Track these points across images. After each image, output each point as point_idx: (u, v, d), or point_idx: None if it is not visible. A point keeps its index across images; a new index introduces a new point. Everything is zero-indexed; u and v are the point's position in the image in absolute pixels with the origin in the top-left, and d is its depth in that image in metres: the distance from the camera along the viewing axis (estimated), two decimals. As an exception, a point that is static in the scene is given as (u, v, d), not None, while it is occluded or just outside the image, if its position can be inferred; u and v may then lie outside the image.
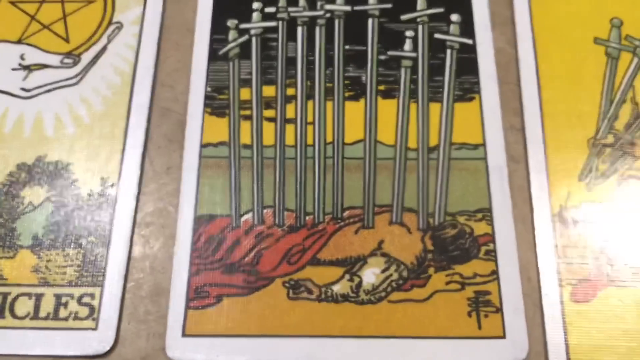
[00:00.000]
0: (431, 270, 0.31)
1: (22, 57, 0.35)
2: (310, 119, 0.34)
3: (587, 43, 0.37)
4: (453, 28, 0.36)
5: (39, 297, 0.30)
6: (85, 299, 0.30)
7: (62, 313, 0.29)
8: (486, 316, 0.30)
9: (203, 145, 0.33)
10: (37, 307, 0.30)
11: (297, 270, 0.31)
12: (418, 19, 0.36)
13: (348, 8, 0.37)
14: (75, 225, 0.31)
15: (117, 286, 0.30)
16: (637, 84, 0.35)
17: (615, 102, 0.35)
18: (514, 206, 0.32)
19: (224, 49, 0.36)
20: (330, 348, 0.29)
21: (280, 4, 0.37)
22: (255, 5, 0.37)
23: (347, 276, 0.31)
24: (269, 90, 0.35)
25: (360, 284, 0.31)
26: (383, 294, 0.30)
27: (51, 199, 0.32)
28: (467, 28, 0.36)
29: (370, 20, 0.36)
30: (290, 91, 0.35)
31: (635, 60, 0.36)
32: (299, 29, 0.36)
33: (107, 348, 0.29)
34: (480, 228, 0.32)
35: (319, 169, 0.33)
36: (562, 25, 0.37)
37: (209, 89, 0.35)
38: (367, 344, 0.29)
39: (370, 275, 0.31)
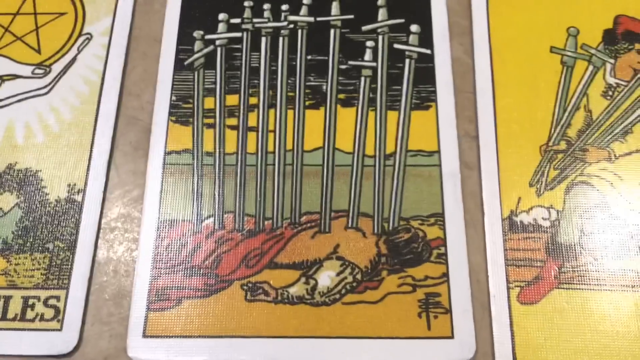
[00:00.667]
0: (384, 273, 0.32)
1: (-6, 68, 0.36)
2: (271, 127, 0.35)
3: (543, 52, 0.38)
4: (412, 38, 0.38)
5: (7, 299, 0.31)
6: (51, 301, 0.31)
7: (29, 314, 0.31)
8: (436, 317, 0.31)
9: (167, 153, 0.34)
10: (5, 309, 0.31)
11: (255, 273, 0.32)
12: (379, 30, 0.38)
13: (311, 19, 0.38)
14: (43, 230, 0.32)
15: (82, 289, 0.31)
16: (591, 92, 0.37)
17: (568, 110, 0.36)
18: (466, 211, 0.33)
19: (190, 59, 0.37)
20: (286, 348, 0.30)
21: (245, 16, 0.38)
22: (221, 16, 0.38)
23: (303, 279, 0.32)
24: (232, 99, 0.36)
25: (315, 286, 0.32)
26: (337, 296, 0.32)
27: (20, 205, 0.33)
28: (426, 38, 0.38)
29: (332, 31, 0.38)
30: (252, 100, 0.36)
31: (590, 68, 0.37)
32: (263, 40, 0.37)
33: (71, 348, 0.30)
34: (432, 232, 0.33)
35: (278, 176, 0.34)
36: (520, 34, 0.38)
37: (174, 98, 0.36)
38: (322, 344, 0.30)
39: (326, 278, 0.32)
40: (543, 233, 0.33)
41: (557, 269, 0.32)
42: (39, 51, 0.37)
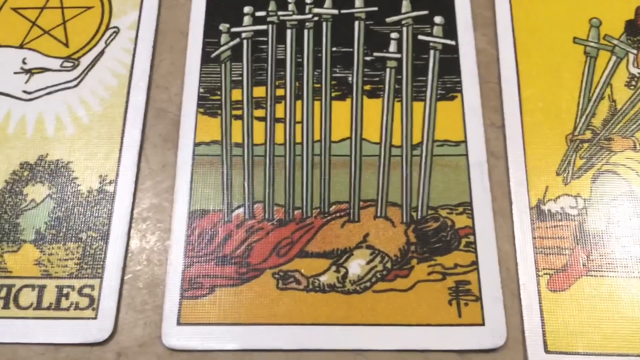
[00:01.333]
0: (414, 261, 0.32)
1: (23, 62, 0.37)
2: (298, 118, 0.36)
3: (566, 43, 0.38)
4: (436, 30, 0.38)
5: (41, 289, 0.31)
6: (86, 290, 0.31)
7: (64, 303, 0.31)
8: (466, 305, 0.31)
9: (196, 144, 0.35)
10: (39, 298, 0.31)
11: (286, 262, 0.32)
12: (403, 22, 0.38)
13: (335, 11, 0.38)
14: (75, 221, 0.33)
15: (116, 278, 0.32)
16: (615, 82, 0.37)
17: (593, 100, 0.36)
18: (494, 200, 0.34)
19: (216, 52, 0.37)
20: (318, 335, 0.31)
21: (270, 8, 0.38)
22: (246, 9, 0.38)
23: (333, 267, 0.32)
24: (259, 91, 0.36)
25: (346, 274, 0.32)
26: (368, 284, 0.32)
27: (52, 196, 0.34)
28: (450, 30, 0.38)
29: (356, 23, 0.38)
30: (279, 92, 0.36)
31: (613, 58, 0.37)
32: (288, 32, 0.38)
33: (106, 336, 0.30)
34: (461, 221, 0.33)
35: (307, 166, 0.35)
36: (542, 25, 0.39)
37: (201, 90, 0.36)
38: (353, 332, 0.31)
39: (356, 266, 0.32)
40: (571, 221, 0.33)
41: (585, 256, 0.33)
42: (66, 44, 0.37)
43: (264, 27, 0.38)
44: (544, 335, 0.31)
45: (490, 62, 0.37)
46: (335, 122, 0.36)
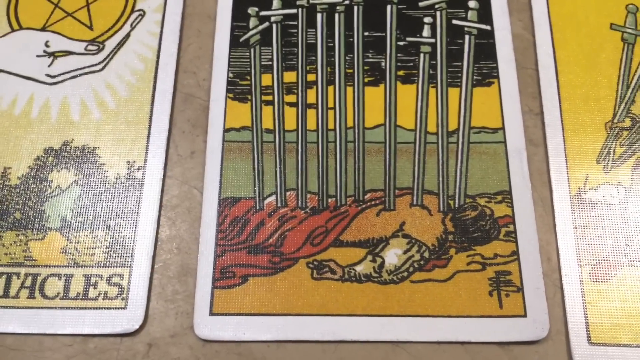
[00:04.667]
0: (452, 251, 0.31)
1: (46, 44, 0.36)
2: (331, 104, 0.35)
3: (603, 29, 0.37)
4: (471, 14, 0.37)
5: (68, 278, 0.30)
6: (115, 279, 0.30)
7: (92, 293, 0.30)
8: (507, 295, 0.30)
9: (226, 130, 0.34)
10: (66, 288, 0.30)
11: (321, 251, 0.31)
12: (436, 6, 0.37)
13: (367, -5, 0.37)
14: (102, 208, 0.32)
15: (146, 267, 0.30)
16: (653, 69, 0.36)
17: (632, 87, 0.35)
18: (533, 188, 0.33)
19: (245, 36, 0.36)
20: (355, 326, 0.30)
21: (300, -9, 0.37)
22: (275, -8, 0.37)
23: (369, 257, 0.31)
24: (290, 76, 0.35)
25: (382, 264, 0.31)
26: (405, 274, 0.31)
27: (78, 182, 0.32)
28: (485, 14, 0.37)
29: (389, 7, 0.37)
30: (310, 77, 0.35)
31: (651, 45, 0.37)
32: (319, 16, 0.37)
33: (137, 326, 0.29)
34: (500, 210, 0.32)
35: (340, 153, 0.34)
36: (579, 11, 0.38)
37: (231, 75, 0.35)
38: (391, 323, 0.30)
39: (393, 256, 0.31)
40: (612, 210, 0.32)
41: (627, 246, 0.32)
42: (91, 27, 0.36)
43: (293, 10, 0.37)
44: (587, 326, 0.30)
45: (527, 48, 0.36)
46: (369, 108, 0.35)
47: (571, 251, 0.31)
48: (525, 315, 0.30)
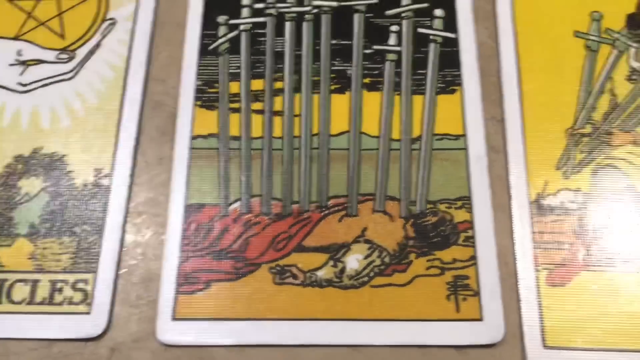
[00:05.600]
0: (412, 256, 0.32)
1: (19, 53, 0.36)
2: (297, 111, 0.35)
3: (567, 36, 0.38)
4: (437, 22, 0.37)
5: (35, 283, 0.31)
6: (80, 285, 0.31)
7: (57, 298, 0.31)
8: (464, 299, 0.31)
9: (193, 137, 0.34)
10: (33, 293, 0.31)
11: (283, 256, 0.32)
12: (403, 14, 0.37)
13: (335, 4, 0.38)
14: (70, 214, 0.32)
15: (110, 272, 0.31)
16: (615, 76, 0.36)
17: (593, 93, 0.36)
18: (493, 194, 0.33)
19: (214, 44, 0.37)
20: (314, 330, 0.30)
21: (269, 0, 0.38)
22: (245, 1, 0.38)
23: (331, 262, 0.32)
24: (257, 84, 0.36)
25: (343, 269, 0.32)
26: (366, 278, 0.31)
27: (47, 189, 0.33)
28: (451, 22, 0.37)
29: (356, 16, 0.37)
30: (278, 85, 0.36)
31: (614, 52, 0.37)
32: (287, 25, 0.37)
33: (100, 331, 0.30)
34: (460, 215, 0.33)
35: (305, 160, 0.34)
36: (544, 19, 0.38)
37: (199, 82, 0.36)
38: (350, 327, 0.30)
39: (354, 261, 0.32)
40: (570, 216, 0.33)
41: (585, 251, 0.32)
42: (62, 36, 0.37)
43: (262, 19, 0.37)
44: (542, 330, 0.31)
45: (491, 56, 0.37)
46: (334, 115, 0.35)
47: (528, 256, 0.32)
48: (481, 319, 0.30)
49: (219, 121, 0.35)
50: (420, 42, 0.37)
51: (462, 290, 0.31)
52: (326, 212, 0.33)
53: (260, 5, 0.38)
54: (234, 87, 0.36)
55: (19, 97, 0.35)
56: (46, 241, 0.32)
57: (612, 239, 0.32)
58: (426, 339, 0.30)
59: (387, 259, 0.32)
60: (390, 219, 0.33)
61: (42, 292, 0.31)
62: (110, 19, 0.37)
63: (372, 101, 0.36)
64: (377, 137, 0.35)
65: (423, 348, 0.30)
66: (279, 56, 0.37)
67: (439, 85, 0.36)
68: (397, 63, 0.36)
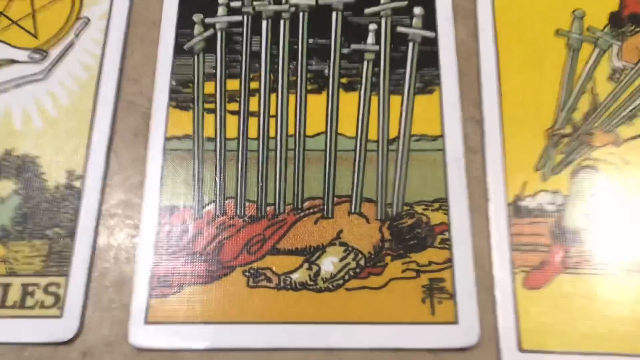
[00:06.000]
0: (388, 258, 0.32)
1: (-10, 53, 0.36)
2: (273, 112, 0.35)
3: (548, 35, 0.37)
4: (416, 21, 0.37)
5: (6, 287, 0.31)
6: (51, 288, 0.31)
7: (29, 302, 0.30)
8: (440, 302, 0.31)
9: (167, 139, 0.34)
10: (4, 297, 0.31)
11: (257, 259, 0.32)
12: (381, 13, 0.37)
13: (312, 2, 0.37)
14: (42, 217, 0.32)
15: (82, 276, 0.31)
16: (597, 75, 0.36)
17: (574, 93, 0.36)
18: (471, 196, 0.33)
19: (189, 43, 0.36)
20: (289, 334, 0.30)
21: (245, -2, 0.37)
22: (221, -1, 0.37)
23: (305, 265, 0.32)
24: (233, 84, 0.35)
25: (318, 272, 0.31)
26: (341, 281, 0.31)
27: (19, 192, 0.33)
28: (430, 21, 0.37)
29: (334, 14, 0.37)
30: (254, 85, 0.35)
31: (597, 51, 0.37)
32: (264, 23, 0.37)
33: (71, 335, 0.30)
34: (436, 217, 0.32)
35: (280, 161, 0.34)
36: (524, 17, 0.38)
37: (174, 82, 0.35)
38: (325, 330, 0.30)
39: (329, 264, 0.32)
40: (549, 218, 0.33)
41: (563, 253, 0.32)
42: (35, 35, 0.36)
43: (239, 17, 0.37)
44: (518, 333, 0.30)
45: (470, 55, 0.36)
46: (311, 116, 0.35)
47: (505, 258, 0.32)
48: (456, 322, 0.30)
49: (193, 122, 0.34)
50: (399, 41, 0.36)
51: (437, 293, 0.31)
52: (301, 214, 0.33)
53: (236, 4, 0.37)
54: (209, 87, 0.35)
55: (-9, 97, 0.35)
56: (18, 244, 0.32)
57: (591, 241, 0.32)
58: (401, 342, 0.30)
59: (362, 262, 0.32)
60: (366, 221, 0.33)
61: (13, 295, 0.31)
62: (84, 17, 0.37)
63: (349, 101, 0.35)
64: (354, 138, 0.34)
65: (398, 351, 0.30)
66: (255, 56, 0.36)
67: (418, 85, 0.35)
68: (375, 62, 0.36)
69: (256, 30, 0.36)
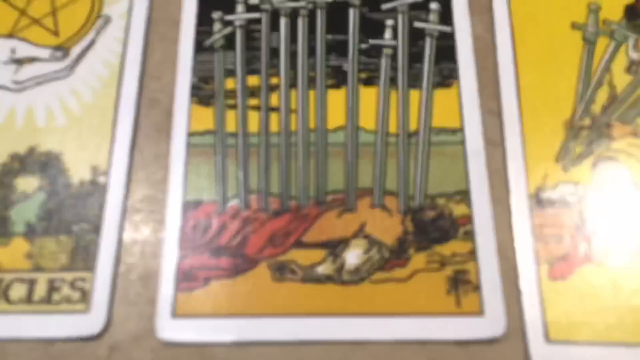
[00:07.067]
0: (412, 250, 0.32)
1: (12, 51, 0.36)
2: (293, 107, 0.35)
3: (564, 28, 0.37)
4: (432, 16, 0.37)
5: (32, 282, 0.31)
6: (78, 283, 0.31)
7: (55, 297, 0.31)
8: (465, 294, 0.31)
9: (190, 134, 0.34)
10: (30, 292, 0.31)
11: (282, 252, 0.32)
12: (398, 8, 0.37)
13: (330, -2, 0.38)
14: (67, 213, 0.32)
15: (109, 270, 0.31)
16: (614, 68, 0.36)
17: (592, 86, 0.36)
18: (492, 188, 0.33)
19: (209, 41, 0.37)
20: (314, 326, 0.30)
21: (263, -4, 0.38)
22: (240, -3, 0.38)
23: (330, 258, 0.32)
24: (253, 80, 0.36)
25: (343, 265, 0.32)
26: (365, 274, 0.31)
27: (43, 188, 0.33)
28: (446, 16, 0.37)
29: (351, 10, 0.37)
30: (274, 80, 0.36)
31: (612, 43, 0.37)
32: (282, 20, 0.37)
33: (99, 330, 0.30)
34: (458, 210, 0.33)
35: (302, 155, 0.34)
36: (540, 11, 0.38)
37: (195, 79, 0.36)
38: (350, 322, 0.30)
39: (353, 256, 0.32)
40: (571, 209, 0.33)
41: (586, 244, 0.32)
42: (56, 34, 0.37)
43: (257, 15, 0.37)
44: (544, 324, 0.30)
45: (487, 49, 0.37)
46: (331, 110, 0.35)
47: (528, 250, 0.32)
48: (482, 314, 0.30)
49: (215, 118, 0.35)
50: (416, 36, 0.37)
51: (462, 284, 0.31)
52: (324, 207, 0.33)
53: (255, 1, 0.37)
54: (230, 83, 0.36)
55: (13, 95, 0.35)
56: (43, 240, 0.32)
57: (614, 231, 0.32)
58: (427, 334, 0.30)
59: (386, 254, 0.32)
60: (388, 214, 0.33)
61: (40, 291, 0.31)
62: (105, 15, 0.37)
63: (368, 96, 0.35)
64: (374, 132, 0.35)
65: (424, 343, 0.30)
66: (274, 52, 0.36)
67: (436, 79, 0.36)
68: (394, 57, 0.36)
69: (275, 27, 0.37)
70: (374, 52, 0.36)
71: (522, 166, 0.34)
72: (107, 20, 0.37)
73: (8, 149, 0.34)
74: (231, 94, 0.35)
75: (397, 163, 0.34)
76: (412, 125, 0.35)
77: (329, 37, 0.37)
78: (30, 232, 0.32)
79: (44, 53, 0.36)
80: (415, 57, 0.36)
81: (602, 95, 0.36)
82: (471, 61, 0.36)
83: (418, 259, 0.31)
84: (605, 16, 0.37)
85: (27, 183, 0.33)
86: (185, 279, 0.31)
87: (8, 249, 0.32)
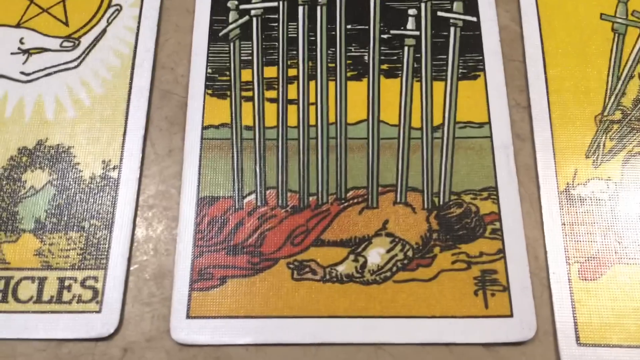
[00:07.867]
0: (437, 249, 0.30)
1: (21, 41, 0.35)
2: (312, 99, 0.34)
3: (593, 19, 0.36)
4: (456, 5, 0.36)
5: (42, 281, 0.30)
6: (89, 282, 0.29)
7: (66, 296, 0.29)
8: (493, 295, 0.29)
9: (204, 127, 0.33)
10: (40, 291, 0.29)
11: (301, 251, 0.30)
12: (421, -3, 0.36)
13: (350, -13, 0.36)
14: (77, 209, 0.31)
15: (121, 269, 0.30)
16: (645, 60, 0.35)
17: (622, 78, 0.35)
18: (520, 184, 0.32)
19: (225, 30, 0.35)
20: (335, 328, 0.29)
21: (280, -16, 0.36)
22: (256, -15, 0.36)
23: (351, 257, 0.30)
24: (270, 71, 0.34)
25: (365, 264, 0.30)
26: (388, 274, 0.30)
27: (53, 183, 0.32)
28: (471, 5, 0.36)
29: (372, -1, 0.36)
30: (292, 72, 0.34)
31: (643, 35, 0.36)
32: (300, 9, 0.36)
33: (111, 331, 0.29)
34: (486, 207, 0.31)
35: (321, 150, 0.33)
36: (568, 1, 0.36)
37: (209, 70, 0.34)
38: (373, 324, 0.29)
39: (375, 255, 0.30)
40: (602, 206, 0.31)
41: (617, 243, 0.31)
42: (66, 23, 0.35)
43: (274, 3, 0.36)
44: (575, 326, 0.29)
45: (514, 40, 0.35)
46: (351, 103, 0.34)
47: (559, 249, 0.30)
48: (511, 316, 0.29)
49: (231, 110, 0.33)
50: (439, 26, 0.35)
51: (490, 285, 0.30)
52: (345, 204, 0.32)
53: (272, -11, 0.36)
54: (246, 74, 0.34)
55: (21, 86, 0.34)
56: (53, 236, 0.30)
57: (646, 229, 0.31)
58: (454, 337, 0.29)
59: (410, 253, 0.30)
60: (412, 211, 0.31)
61: (50, 289, 0.29)
62: (116, 5, 0.36)
63: (390, 88, 0.34)
64: (397, 125, 0.33)
65: (450, 346, 0.29)
66: (292, 42, 0.35)
67: (461, 71, 0.34)
68: (416, 48, 0.35)
69: (292, 17, 0.35)
70: (396, 43, 0.35)
71: (552, 161, 0.32)
72: (118, 9, 0.35)
73: (16, 142, 0.32)
74: (247, 85, 0.34)
75: (421, 158, 0.32)
76: (437, 119, 0.33)
77: (349, 26, 0.35)
78: (39, 229, 0.31)
79: (54, 43, 0.34)
80: (439, 48, 0.35)
81: (632, 88, 0.34)
82: (497, 52, 0.34)
83: (443, 258, 0.30)
84: (634, 7, 0.36)
85: (35, 178, 0.32)
86: (201, 278, 0.30)
87: (17, 246, 0.30)
